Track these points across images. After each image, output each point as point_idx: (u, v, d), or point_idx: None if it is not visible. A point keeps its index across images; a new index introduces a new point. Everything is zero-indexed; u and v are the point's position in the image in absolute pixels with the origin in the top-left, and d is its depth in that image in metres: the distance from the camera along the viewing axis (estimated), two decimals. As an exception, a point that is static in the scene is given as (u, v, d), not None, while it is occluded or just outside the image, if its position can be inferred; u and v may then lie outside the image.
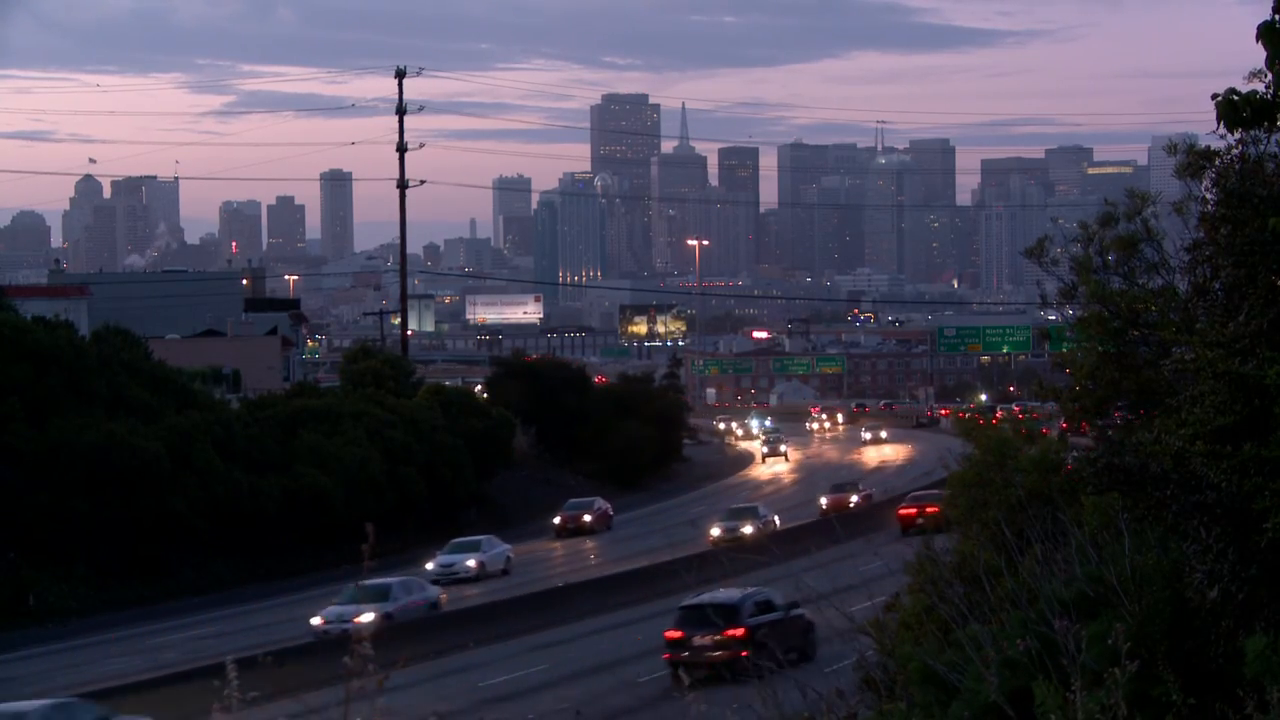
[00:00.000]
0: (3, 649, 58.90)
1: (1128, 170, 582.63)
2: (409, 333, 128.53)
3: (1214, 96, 12.73)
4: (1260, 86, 12.84)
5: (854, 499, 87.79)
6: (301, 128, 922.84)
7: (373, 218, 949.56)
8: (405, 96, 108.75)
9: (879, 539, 55.53)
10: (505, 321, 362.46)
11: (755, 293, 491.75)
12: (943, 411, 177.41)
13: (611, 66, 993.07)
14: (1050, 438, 27.59)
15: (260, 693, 9.30)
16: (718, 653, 40.00)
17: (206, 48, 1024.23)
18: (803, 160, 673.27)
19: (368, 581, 56.76)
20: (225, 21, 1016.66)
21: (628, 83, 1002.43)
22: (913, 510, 70.93)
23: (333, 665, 10.54)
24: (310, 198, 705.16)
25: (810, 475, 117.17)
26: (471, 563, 71.91)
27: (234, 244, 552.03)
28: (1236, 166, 15.39)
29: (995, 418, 60.49)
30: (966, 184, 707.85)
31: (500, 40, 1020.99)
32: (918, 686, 14.90)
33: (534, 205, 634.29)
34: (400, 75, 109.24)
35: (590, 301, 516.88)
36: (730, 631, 41.51)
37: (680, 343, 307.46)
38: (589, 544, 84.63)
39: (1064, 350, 26.91)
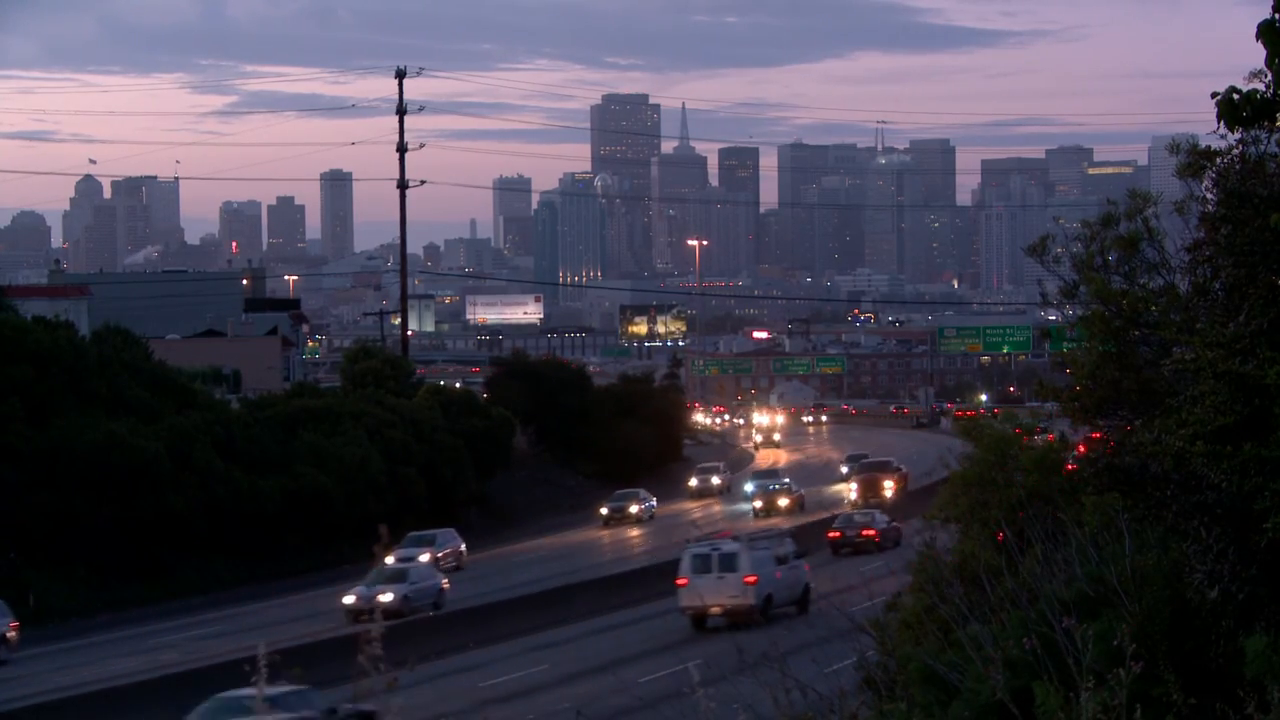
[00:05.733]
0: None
1: (1128, 170, 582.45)
2: (409, 333, 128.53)
3: (1214, 95, 12.72)
4: (1260, 86, 12.83)
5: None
6: (303, 128, 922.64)
7: (373, 218, 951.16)
8: (406, 97, 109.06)
9: None
10: (505, 322, 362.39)
11: (755, 293, 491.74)
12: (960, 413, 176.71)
13: (613, 66, 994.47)
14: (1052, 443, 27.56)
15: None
16: None
17: (210, 48, 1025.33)
18: (803, 160, 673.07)
19: None
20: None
21: (630, 83, 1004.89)
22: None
23: (339, 665, 10.55)
24: (310, 198, 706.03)
25: None
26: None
27: (234, 244, 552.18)
28: (1237, 166, 15.38)
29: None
30: (966, 184, 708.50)
31: (503, 41, 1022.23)
32: (918, 686, 14.90)
33: (534, 205, 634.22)
34: (400, 76, 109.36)
35: (590, 302, 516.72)
36: None
37: (680, 343, 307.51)
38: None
39: (1064, 350, 26.87)
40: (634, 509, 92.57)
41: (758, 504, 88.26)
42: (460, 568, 73.25)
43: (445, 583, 61.01)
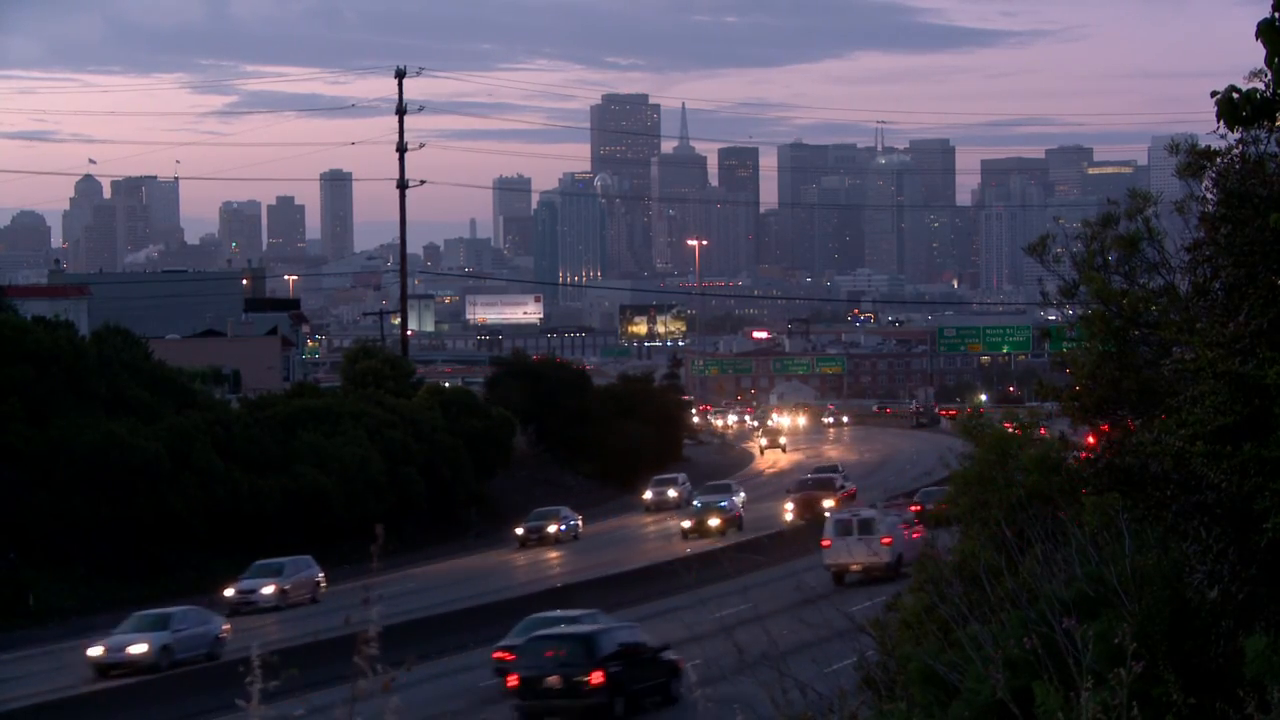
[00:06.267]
0: (3, 649, 58.93)
1: (1128, 170, 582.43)
2: (409, 333, 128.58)
3: (1214, 95, 12.70)
4: (1260, 85, 12.82)
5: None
6: (303, 128, 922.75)
7: (373, 218, 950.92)
8: (406, 97, 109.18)
9: None
10: (505, 322, 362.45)
11: (755, 293, 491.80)
12: (942, 412, 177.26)
13: (614, 66, 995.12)
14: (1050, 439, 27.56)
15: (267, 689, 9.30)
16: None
17: (211, 48, 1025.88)
18: (803, 160, 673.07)
19: None
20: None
21: (630, 83, 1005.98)
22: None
23: (337, 666, 10.51)
24: (310, 198, 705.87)
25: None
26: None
27: (234, 244, 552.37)
28: (1237, 166, 15.38)
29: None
30: (966, 184, 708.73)
31: (503, 40, 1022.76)
32: (918, 686, 14.89)
33: (534, 205, 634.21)
34: (400, 75, 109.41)
35: (590, 302, 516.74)
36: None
37: (680, 343, 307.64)
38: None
39: (1064, 350, 26.87)
40: (552, 529, 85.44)
41: (686, 524, 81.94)
42: (316, 600, 65.22)
43: (226, 628, 53.05)
